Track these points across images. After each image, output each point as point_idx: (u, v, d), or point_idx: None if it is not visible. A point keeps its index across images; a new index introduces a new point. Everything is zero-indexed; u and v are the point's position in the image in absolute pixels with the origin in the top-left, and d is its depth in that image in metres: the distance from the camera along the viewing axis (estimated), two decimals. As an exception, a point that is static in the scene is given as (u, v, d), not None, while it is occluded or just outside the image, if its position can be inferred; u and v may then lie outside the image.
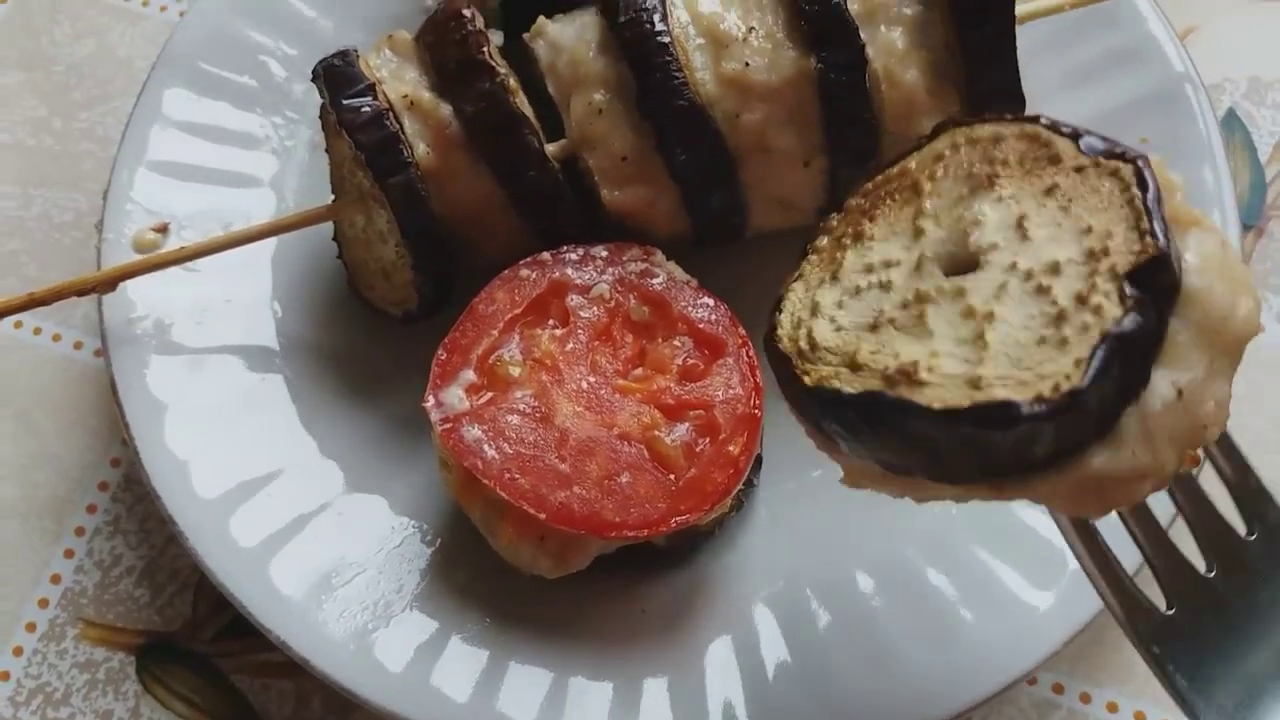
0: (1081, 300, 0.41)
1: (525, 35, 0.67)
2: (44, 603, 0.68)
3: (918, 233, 0.47)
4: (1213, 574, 0.49)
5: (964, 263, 0.46)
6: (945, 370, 0.42)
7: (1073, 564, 0.61)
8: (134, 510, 0.70)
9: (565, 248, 0.64)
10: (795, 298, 0.49)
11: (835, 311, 0.47)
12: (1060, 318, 0.42)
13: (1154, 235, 0.41)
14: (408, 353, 0.67)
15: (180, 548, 0.68)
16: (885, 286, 0.47)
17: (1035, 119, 0.47)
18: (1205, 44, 0.83)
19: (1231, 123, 0.81)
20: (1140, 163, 0.44)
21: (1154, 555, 0.49)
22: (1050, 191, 0.45)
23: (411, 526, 0.64)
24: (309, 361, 0.69)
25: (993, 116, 0.48)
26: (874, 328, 0.46)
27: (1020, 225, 0.45)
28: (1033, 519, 0.62)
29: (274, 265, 0.71)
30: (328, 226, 0.68)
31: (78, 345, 0.75)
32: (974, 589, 0.61)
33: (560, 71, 0.65)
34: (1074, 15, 0.70)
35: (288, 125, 0.75)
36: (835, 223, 0.51)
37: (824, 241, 0.51)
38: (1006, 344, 0.42)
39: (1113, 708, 0.65)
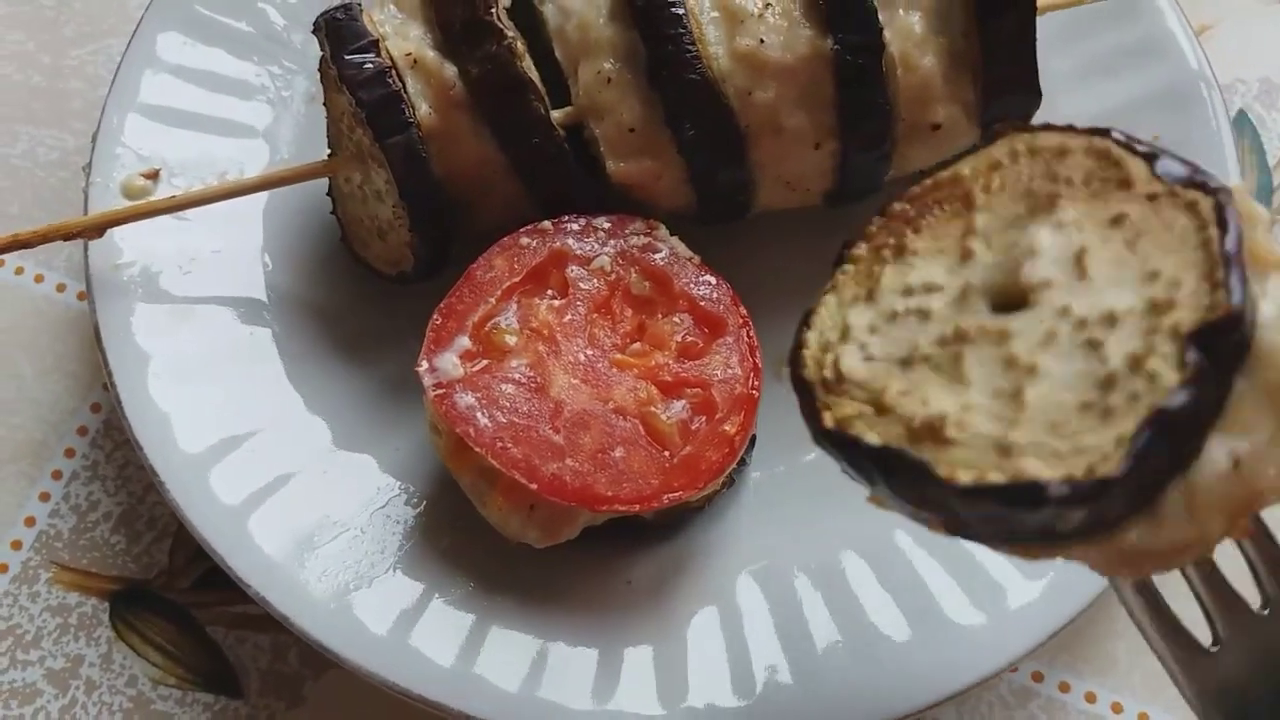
0: (1136, 364, 0.37)
1: (534, -3, 0.65)
2: (17, 544, 0.67)
3: (965, 254, 0.44)
4: (1266, 610, 0.46)
5: (1013, 297, 0.42)
6: (975, 428, 0.39)
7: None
8: (113, 457, 0.69)
9: (567, 217, 0.63)
10: (825, 315, 0.46)
11: (867, 337, 0.44)
12: (1109, 381, 0.38)
13: (1228, 290, 0.37)
14: (399, 313, 0.66)
15: (159, 496, 0.68)
16: (924, 315, 0.43)
17: (1106, 132, 0.43)
18: (1218, 43, 0.82)
19: (1242, 124, 0.81)
20: (1221, 197, 0.39)
21: (1202, 587, 0.46)
22: (1117, 222, 0.41)
23: (398, 488, 0.64)
24: (298, 317, 0.68)
25: (1059, 126, 0.44)
26: (907, 363, 0.42)
27: (1080, 260, 0.41)
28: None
29: (265, 218, 0.69)
30: (322, 180, 0.67)
31: (60, 288, 0.74)
32: (961, 577, 0.61)
33: (569, 36, 0.63)
34: (1090, 8, 0.69)
35: (285, 75, 0.73)
36: (875, 229, 0.47)
37: (862, 250, 0.47)
38: (1046, 406, 0.38)
39: (1091, 698, 0.66)
